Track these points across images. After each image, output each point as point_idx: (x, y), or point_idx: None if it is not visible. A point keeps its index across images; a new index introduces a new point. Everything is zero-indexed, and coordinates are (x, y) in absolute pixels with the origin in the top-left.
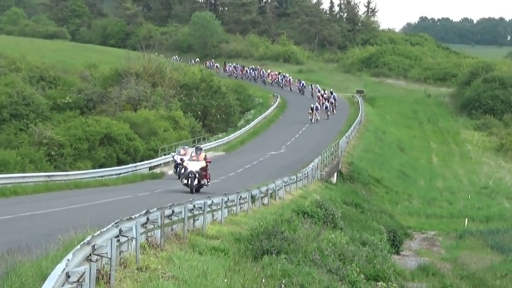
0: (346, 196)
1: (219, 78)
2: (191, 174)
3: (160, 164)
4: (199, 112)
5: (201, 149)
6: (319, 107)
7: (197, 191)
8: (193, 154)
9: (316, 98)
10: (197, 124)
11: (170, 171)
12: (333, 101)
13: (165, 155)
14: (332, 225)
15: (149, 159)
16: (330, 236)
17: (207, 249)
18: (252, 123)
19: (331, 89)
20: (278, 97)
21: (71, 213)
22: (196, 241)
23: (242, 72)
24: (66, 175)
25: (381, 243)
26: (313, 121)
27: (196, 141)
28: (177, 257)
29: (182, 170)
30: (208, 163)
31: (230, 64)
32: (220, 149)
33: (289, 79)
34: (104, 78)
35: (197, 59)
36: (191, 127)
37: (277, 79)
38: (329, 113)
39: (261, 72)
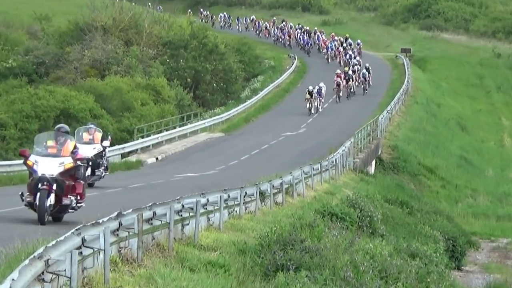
0: (388, 191)
1: (215, 32)
2: (42, 184)
3: (137, 149)
4: (188, 80)
5: (67, 132)
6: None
7: (56, 219)
8: (51, 143)
9: (335, 76)
10: (186, 96)
11: (151, 158)
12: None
13: (142, 137)
14: (370, 230)
15: (122, 143)
16: (367, 245)
17: (200, 264)
18: (261, 94)
19: (367, 64)
20: (295, 59)
21: (16, 217)
22: (185, 253)
23: (290, 36)
24: (9, 165)
25: (436, 255)
26: (312, 111)
27: (185, 118)
28: (160, 275)
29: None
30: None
31: (270, 22)
32: (218, 129)
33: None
34: (60, 34)
35: (189, 10)
36: (178, 99)
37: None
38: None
39: (317, 36)
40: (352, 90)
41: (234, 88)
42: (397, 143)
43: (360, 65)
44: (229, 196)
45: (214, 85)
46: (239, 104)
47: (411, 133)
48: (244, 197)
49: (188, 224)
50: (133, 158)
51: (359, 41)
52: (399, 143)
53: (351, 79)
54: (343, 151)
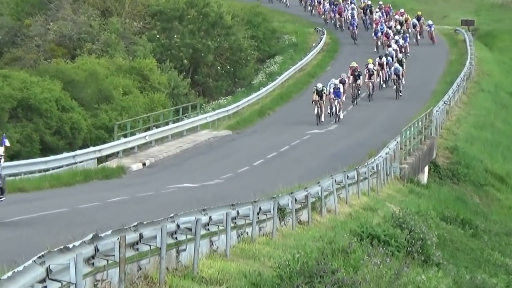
0: (446, 206)
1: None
2: None
3: (118, 152)
4: (185, 61)
5: None
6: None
7: None
8: None
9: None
10: (182, 82)
11: (136, 164)
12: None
13: (125, 136)
14: (422, 258)
15: (98, 144)
16: (418, 277)
17: None
18: (279, 79)
19: (400, 55)
20: (323, 34)
21: None
22: (181, 287)
23: (340, 14)
24: None
25: None
26: (322, 118)
27: (181, 111)
28: None
29: None
30: None
31: None
32: (223, 125)
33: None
34: (16, 1)
35: None
36: (172, 86)
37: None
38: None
39: (385, 12)
40: (370, 91)
41: (244, 72)
42: (457, 144)
43: (394, 57)
44: (238, 213)
45: (219, 68)
46: (250, 92)
47: (475, 130)
48: (258, 214)
49: (185, 250)
50: (113, 163)
51: (430, 22)
52: (460, 143)
53: (373, 75)
54: (386, 154)
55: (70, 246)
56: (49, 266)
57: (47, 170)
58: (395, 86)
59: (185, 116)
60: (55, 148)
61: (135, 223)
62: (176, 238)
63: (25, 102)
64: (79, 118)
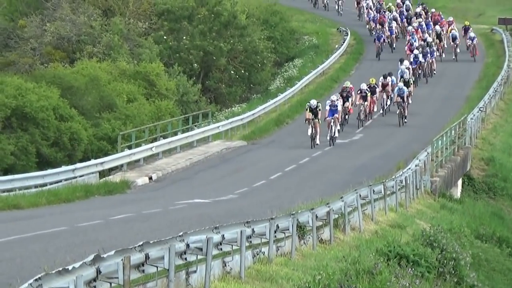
0: (481, 223)
1: None
2: None
3: (122, 165)
4: (195, 65)
5: None
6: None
7: None
8: None
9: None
10: (192, 88)
11: (142, 178)
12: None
13: (130, 148)
14: (455, 279)
15: (100, 156)
16: None
17: None
18: (298, 85)
19: (406, 71)
20: (347, 34)
21: None
22: None
23: (382, 25)
24: None
25: None
26: (317, 140)
27: (191, 120)
28: None
29: None
30: None
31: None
32: (237, 135)
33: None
34: (9, 1)
35: None
36: (181, 93)
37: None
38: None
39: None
40: (361, 116)
41: (260, 77)
42: (493, 155)
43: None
44: (253, 231)
45: (232, 72)
46: (267, 99)
47: None
48: (275, 232)
49: (195, 272)
50: (116, 177)
51: (472, 34)
52: (497, 154)
53: (371, 95)
54: (416, 166)
55: (70, 268)
56: None
57: (44, 185)
58: (398, 111)
59: (196, 126)
60: (53, 161)
61: (141, 243)
62: (186, 258)
63: (19, 111)
64: (79, 128)
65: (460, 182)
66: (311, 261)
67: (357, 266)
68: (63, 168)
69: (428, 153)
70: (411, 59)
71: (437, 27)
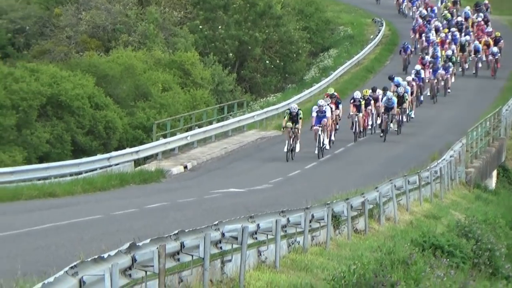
0: None
1: None
2: None
3: (157, 154)
4: (230, 54)
5: None
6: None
7: None
8: None
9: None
10: (227, 77)
11: (177, 167)
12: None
13: (165, 137)
14: (490, 270)
15: (135, 145)
16: None
17: None
18: (333, 75)
19: (403, 84)
20: (382, 25)
21: None
22: None
23: (420, 35)
24: None
25: None
26: (296, 149)
27: (226, 109)
28: None
29: None
30: None
31: None
32: (272, 125)
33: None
34: None
35: None
36: (216, 82)
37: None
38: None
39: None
40: (355, 127)
41: (295, 67)
42: None
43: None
44: (288, 220)
45: (267, 62)
46: (302, 89)
47: None
48: (310, 222)
49: (230, 261)
50: (151, 166)
51: (495, 49)
52: None
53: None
54: (451, 157)
55: (105, 255)
56: (82, 277)
57: (80, 173)
58: (385, 125)
59: (230, 115)
60: (88, 150)
61: (176, 231)
62: (221, 247)
63: (55, 99)
64: (114, 116)
65: (495, 173)
66: (346, 251)
67: (392, 256)
68: (98, 156)
69: (463, 144)
70: (413, 75)
71: (462, 38)
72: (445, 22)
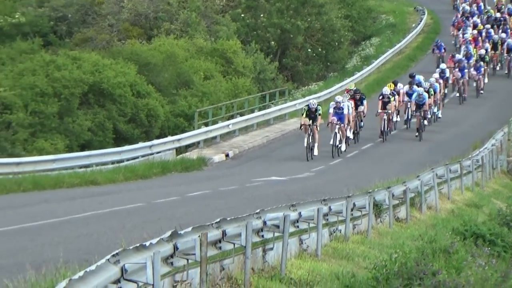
0: None
1: None
2: None
3: (198, 142)
4: (272, 43)
5: None
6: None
7: None
8: None
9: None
10: (269, 66)
11: (218, 155)
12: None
13: (206, 125)
14: None
15: (177, 133)
16: None
17: None
18: (375, 63)
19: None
20: (424, 13)
21: (24, 238)
22: None
23: (458, 29)
24: (17, 163)
25: None
26: (315, 151)
27: (268, 97)
28: None
29: None
30: None
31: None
32: None
33: None
34: None
35: None
36: (258, 71)
37: None
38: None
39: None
40: (383, 127)
41: (337, 56)
42: None
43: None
44: (330, 209)
45: (309, 50)
46: (344, 78)
47: None
48: (352, 210)
49: (272, 249)
50: (193, 154)
51: None
52: None
53: (389, 104)
54: (492, 146)
55: (147, 244)
56: (124, 265)
57: (121, 161)
58: (418, 123)
59: (272, 103)
60: (129, 138)
61: (218, 220)
62: (263, 236)
63: (97, 87)
64: (156, 104)
65: None
66: (388, 239)
67: (433, 245)
68: (140, 144)
69: (504, 132)
70: (437, 74)
71: (495, 36)
72: (485, 18)
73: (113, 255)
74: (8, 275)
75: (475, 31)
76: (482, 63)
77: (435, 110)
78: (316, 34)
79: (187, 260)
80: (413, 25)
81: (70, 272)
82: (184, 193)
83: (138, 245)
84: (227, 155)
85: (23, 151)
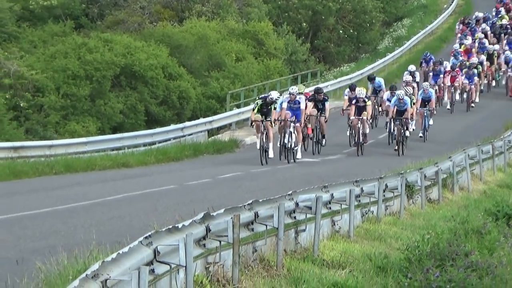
0: None
1: None
2: None
3: (230, 124)
4: (304, 24)
5: None
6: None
7: None
8: None
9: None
10: (301, 47)
11: (251, 137)
12: None
13: (238, 107)
14: None
15: (209, 115)
16: None
17: (322, 287)
18: (407, 44)
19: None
20: None
21: (56, 220)
22: (301, 271)
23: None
24: (49, 146)
25: None
26: (270, 154)
27: (300, 79)
28: None
29: None
30: None
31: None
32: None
33: None
34: None
35: None
36: (289, 52)
37: None
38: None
39: None
40: (356, 137)
41: (368, 37)
42: None
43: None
44: (362, 190)
45: (341, 32)
46: (375, 59)
47: None
48: (384, 191)
49: (304, 231)
50: (225, 136)
51: None
52: None
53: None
54: None
55: (179, 226)
56: (156, 247)
57: (153, 143)
58: (398, 134)
59: (304, 85)
60: (161, 120)
61: (250, 201)
62: (295, 217)
63: (128, 69)
64: (188, 86)
65: None
66: (420, 220)
67: (465, 226)
68: (172, 126)
69: None
70: (431, 80)
71: (489, 46)
72: (490, 23)
73: (146, 237)
74: (40, 258)
75: (468, 41)
76: (475, 70)
77: (431, 122)
78: (347, 16)
79: (220, 242)
80: (445, 6)
81: (102, 254)
82: (215, 175)
83: (170, 227)
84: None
85: (55, 133)
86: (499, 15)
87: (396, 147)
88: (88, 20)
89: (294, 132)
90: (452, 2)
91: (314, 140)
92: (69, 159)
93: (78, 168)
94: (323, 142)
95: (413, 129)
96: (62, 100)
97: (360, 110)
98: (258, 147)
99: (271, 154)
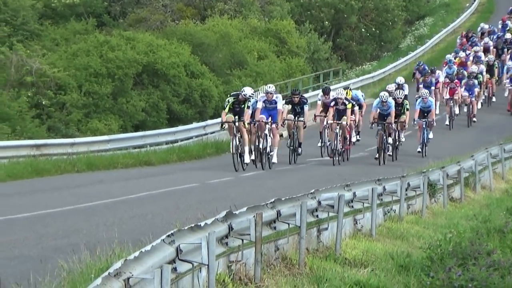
0: None
1: None
2: None
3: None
4: (326, 23)
5: None
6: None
7: None
8: None
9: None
10: (323, 46)
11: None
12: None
13: None
14: None
15: None
16: None
17: (344, 286)
18: (429, 43)
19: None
20: None
21: (79, 218)
22: (323, 270)
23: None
24: (71, 144)
25: None
26: (246, 159)
27: (322, 77)
28: None
29: None
30: None
31: None
32: (368, 92)
33: None
34: None
35: None
36: (311, 50)
37: None
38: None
39: None
40: (335, 145)
41: (391, 35)
42: None
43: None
44: (384, 189)
45: (363, 30)
46: (397, 57)
47: None
48: (406, 190)
49: (326, 229)
50: None
51: None
52: None
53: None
54: None
55: (202, 224)
56: (179, 245)
57: (175, 141)
58: (379, 142)
59: (326, 83)
60: (183, 118)
61: (272, 200)
62: (317, 216)
63: (150, 67)
64: (210, 84)
65: None
66: (442, 219)
67: (487, 225)
68: (194, 124)
69: None
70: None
71: (490, 55)
72: (495, 38)
73: (168, 236)
74: (63, 256)
75: (463, 54)
76: (475, 81)
77: (430, 136)
78: (370, 14)
79: (242, 240)
80: (467, 4)
81: (125, 252)
82: (238, 173)
83: (193, 225)
84: (280, 135)
85: (77, 131)
86: (507, 28)
87: (377, 155)
88: (110, 18)
89: (270, 135)
90: (475, 1)
91: (291, 147)
92: (91, 157)
93: (100, 166)
94: (299, 150)
95: (403, 140)
96: (84, 98)
97: (340, 114)
98: (232, 151)
99: (247, 159)
